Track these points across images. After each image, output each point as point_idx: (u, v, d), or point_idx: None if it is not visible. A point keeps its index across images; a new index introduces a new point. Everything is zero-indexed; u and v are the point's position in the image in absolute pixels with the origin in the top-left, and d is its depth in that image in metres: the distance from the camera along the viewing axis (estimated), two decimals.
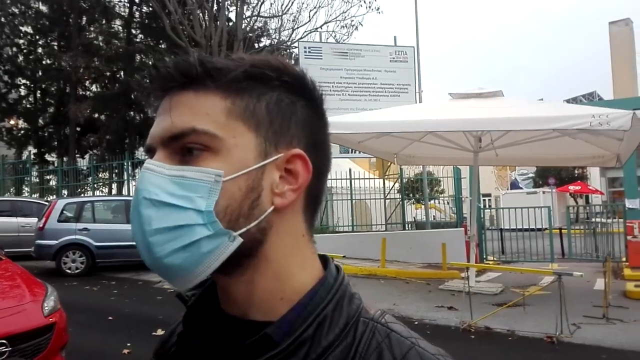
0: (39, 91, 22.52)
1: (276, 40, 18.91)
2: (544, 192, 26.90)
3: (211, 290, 0.66)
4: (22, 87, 22.28)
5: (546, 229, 12.98)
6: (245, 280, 0.61)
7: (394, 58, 15.06)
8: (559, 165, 24.41)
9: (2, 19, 21.04)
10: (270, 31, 19.31)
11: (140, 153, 20.36)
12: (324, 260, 0.68)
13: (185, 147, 0.59)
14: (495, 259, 12.85)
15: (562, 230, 14.15)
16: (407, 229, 14.46)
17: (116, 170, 18.60)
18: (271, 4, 24.82)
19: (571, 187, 29.52)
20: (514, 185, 39.93)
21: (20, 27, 21.49)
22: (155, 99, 0.64)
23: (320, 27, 17.75)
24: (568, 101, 27.55)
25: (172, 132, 0.59)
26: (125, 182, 17.53)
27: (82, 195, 17.33)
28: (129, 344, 5.54)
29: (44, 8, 21.26)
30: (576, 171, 35.21)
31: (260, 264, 0.61)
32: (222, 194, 0.57)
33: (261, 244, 0.60)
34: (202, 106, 0.59)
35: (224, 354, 0.63)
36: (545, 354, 5.49)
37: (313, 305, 0.60)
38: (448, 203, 15.96)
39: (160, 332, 6.10)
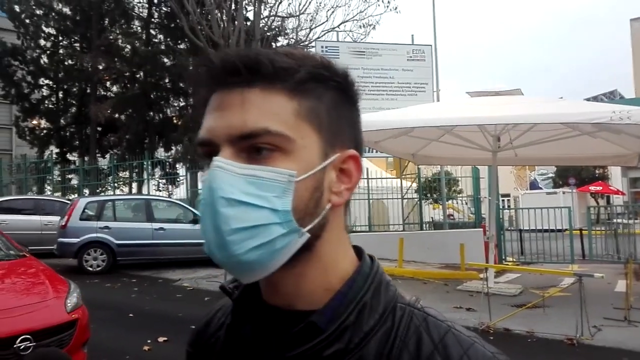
0: (61, 91, 22.84)
1: (293, 40, 18.95)
2: (564, 193, 26.55)
3: (255, 282, 0.67)
4: (45, 87, 22.62)
5: (566, 229, 12.82)
6: (296, 272, 0.64)
7: (411, 57, 15.02)
8: (579, 164, 24.09)
9: (27, 21, 21.41)
10: (288, 31, 19.35)
11: (159, 153, 20.60)
12: (357, 250, 0.71)
13: (254, 146, 0.60)
14: (514, 260, 12.74)
15: (583, 231, 13.97)
16: (424, 229, 14.40)
17: (136, 170, 18.82)
18: (289, 3, 24.92)
19: (592, 188, 29.08)
20: (534, 185, 39.49)
21: (44, 29, 21.84)
22: (208, 90, 0.64)
23: (338, 26, 17.73)
24: (588, 99, 27.16)
25: (244, 131, 0.60)
26: (145, 181, 17.75)
27: (103, 194, 17.60)
28: (149, 341, 5.62)
29: (66, 10, 21.58)
30: (597, 171, 34.69)
31: (312, 257, 0.64)
32: (293, 194, 0.60)
33: (318, 238, 0.64)
34: (271, 106, 0.60)
35: (272, 343, 0.65)
36: (565, 356, 5.43)
37: (352, 293, 0.64)
38: (466, 203, 15.85)
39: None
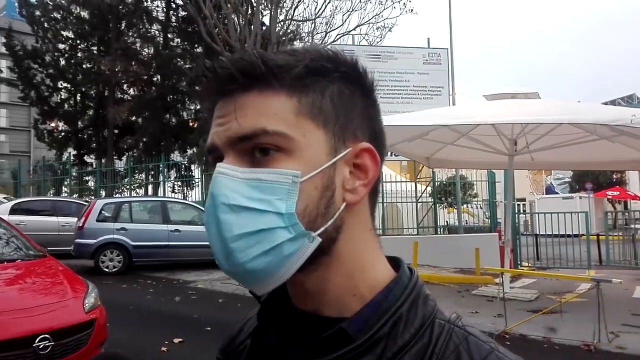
0: (79, 94, 23.18)
1: (309, 44, 19.00)
2: (580, 197, 26.27)
3: (282, 286, 0.64)
4: (63, 90, 22.95)
5: (583, 235, 12.68)
6: (318, 277, 0.61)
7: (427, 60, 14.99)
8: (596, 169, 23.82)
9: (45, 24, 21.75)
10: (303, 34, 19.39)
11: (175, 155, 20.77)
12: (396, 261, 0.67)
13: (255, 148, 0.58)
14: (530, 265, 12.62)
15: (600, 237, 13.80)
16: (439, 233, 14.33)
17: (152, 172, 18.99)
18: (305, 7, 24.95)
19: (609, 193, 28.71)
20: (550, 190, 39.10)
21: (62, 32, 22.17)
22: (211, 101, 0.62)
23: (354, 29, 17.74)
24: (605, 103, 26.91)
25: (241, 133, 0.58)
26: (161, 183, 17.90)
27: (119, 195, 17.77)
28: (166, 342, 5.66)
29: (84, 13, 21.88)
30: (614, 176, 34.27)
31: (332, 260, 0.61)
32: (299, 195, 0.57)
33: (335, 241, 0.60)
34: (269, 106, 0.58)
35: (299, 348, 0.63)
36: None
37: (388, 303, 0.60)
38: (481, 207, 15.75)
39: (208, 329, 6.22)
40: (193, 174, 19.19)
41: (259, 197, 0.56)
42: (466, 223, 15.45)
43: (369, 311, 0.59)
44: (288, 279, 0.59)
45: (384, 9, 17.53)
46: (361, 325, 0.58)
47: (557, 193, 35.29)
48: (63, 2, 21.55)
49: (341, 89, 0.61)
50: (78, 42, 22.51)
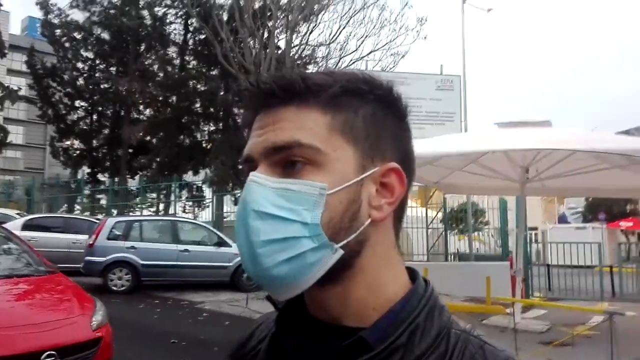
0: (95, 113, 23.56)
1: (323, 68, 19.20)
2: (593, 228, 25.89)
3: (299, 294, 0.66)
4: (80, 109, 23.35)
5: (596, 266, 12.47)
6: (339, 291, 0.63)
7: (440, 86, 15.06)
8: (607, 196, 23.53)
9: (66, 44, 22.25)
10: (318, 59, 19.62)
11: (188, 176, 20.92)
12: (412, 272, 0.69)
13: (288, 160, 0.61)
14: (541, 295, 12.42)
15: (613, 268, 13.57)
16: (449, 260, 14.18)
17: (164, 192, 19.11)
18: (320, 33, 25.32)
19: (622, 223, 28.36)
20: (562, 219, 38.66)
21: (82, 52, 22.66)
22: (251, 113, 0.67)
23: (367, 55, 17.94)
24: (619, 133, 26.73)
25: (277, 143, 0.61)
26: (173, 202, 17.98)
27: (131, 214, 17.86)
28: None
29: (105, 35, 22.37)
30: (628, 206, 33.87)
31: (355, 275, 0.63)
32: (325, 207, 0.59)
33: (358, 255, 0.62)
34: (304, 121, 0.62)
35: (317, 356, 0.64)
36: None
37: (405, 313, 0.62)
38: (492, 235, 15.59)
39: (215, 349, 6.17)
40: (204, 194, 19.28)
41: (287, 206, 0.59)
42: (477, 251, 15.28)
43: (387, 321, 0.62)
44: (311, 291, 0.62)
45: (398, 36, 17.75)
46: (380, 334, 0.60)
47: (569, 223, 34.90)
48: (84, 23, 22.06)
49: (375, 110, 0.65)
50: (97, 62, 22.98)
